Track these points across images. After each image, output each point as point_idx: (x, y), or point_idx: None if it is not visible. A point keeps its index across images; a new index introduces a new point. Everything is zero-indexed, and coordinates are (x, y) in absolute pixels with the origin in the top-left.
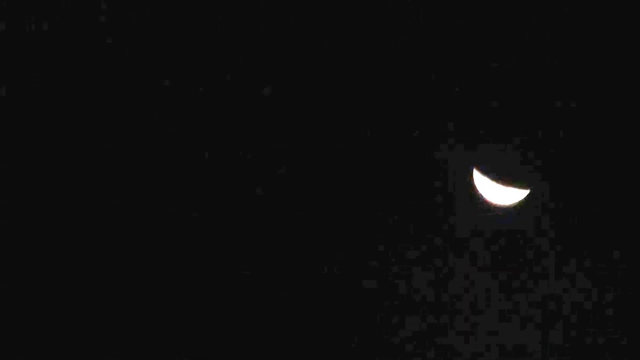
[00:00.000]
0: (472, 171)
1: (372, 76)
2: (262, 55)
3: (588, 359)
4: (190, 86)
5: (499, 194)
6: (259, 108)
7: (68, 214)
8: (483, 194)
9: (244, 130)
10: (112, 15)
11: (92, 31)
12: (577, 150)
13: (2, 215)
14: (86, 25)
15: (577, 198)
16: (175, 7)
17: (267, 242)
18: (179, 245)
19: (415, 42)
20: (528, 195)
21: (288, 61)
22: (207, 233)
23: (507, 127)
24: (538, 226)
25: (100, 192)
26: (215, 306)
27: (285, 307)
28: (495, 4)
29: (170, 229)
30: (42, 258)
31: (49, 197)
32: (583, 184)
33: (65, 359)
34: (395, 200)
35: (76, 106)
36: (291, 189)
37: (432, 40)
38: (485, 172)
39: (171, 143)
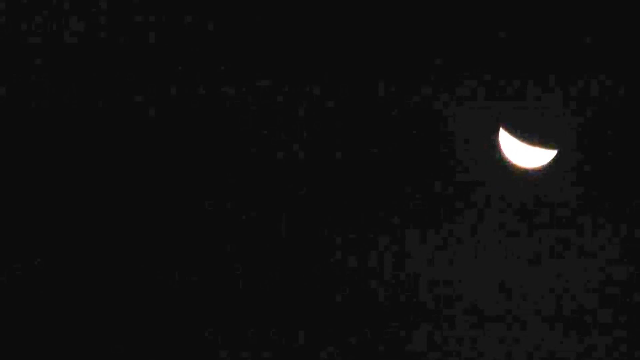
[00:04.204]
0: (499, 131)
1: (387, 37)
2: (262, 55)
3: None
4: (189, 86)
5: (526, 156)
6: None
7: (67, 214)
8: (509, 156)
9: (255, 127)
10: (111, 15)
11: (91, 31)
12: (608, 110)
13: (2, 215)
14: (86, 25)
15: (607, 161)
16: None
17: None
18: (179, 245)
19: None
20: (556, 157)
21: (289, 61)
22: (206, 233)
23: (536, 85)
24: (566, 190)
25: (100, 192)
26: (215, 306)
27: (302, 301)
28: None
29: (169, 229)
30: (42, 258)
31: (49, 197)
32: (614, 146)
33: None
34: (421, 160)
35: (76, 107)
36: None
37: None
38: (512, 132)
39: (171, 144)
